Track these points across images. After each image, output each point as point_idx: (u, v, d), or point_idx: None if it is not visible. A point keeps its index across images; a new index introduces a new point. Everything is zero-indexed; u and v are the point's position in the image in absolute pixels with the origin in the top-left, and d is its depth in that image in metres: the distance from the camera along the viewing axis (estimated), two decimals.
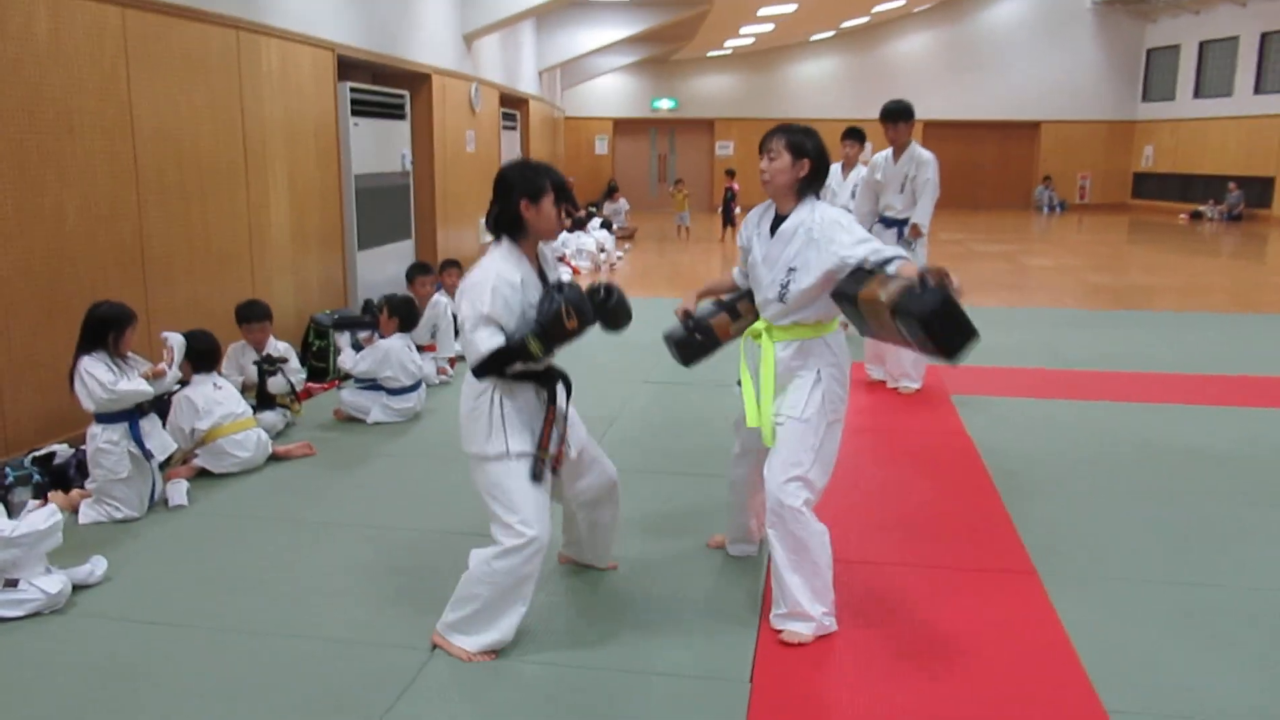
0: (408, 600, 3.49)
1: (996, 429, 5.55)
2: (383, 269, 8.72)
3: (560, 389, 3.17)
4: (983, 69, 24.69)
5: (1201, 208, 21.87)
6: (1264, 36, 21.25)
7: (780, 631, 3.20)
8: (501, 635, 3.08)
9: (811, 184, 3.24)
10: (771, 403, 3.26)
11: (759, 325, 3.34)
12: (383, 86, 8.98)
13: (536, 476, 3.04)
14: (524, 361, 2.98)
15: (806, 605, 3.17)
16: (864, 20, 23.34)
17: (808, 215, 3.19)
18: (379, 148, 8.74)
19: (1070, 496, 4.53)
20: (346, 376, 6.08)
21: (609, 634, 3.27)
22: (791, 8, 16.92)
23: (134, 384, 4.16)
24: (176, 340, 4.51)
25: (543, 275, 3.13)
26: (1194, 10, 22.91)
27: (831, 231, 3.13)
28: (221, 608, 3.45)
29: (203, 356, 4.88)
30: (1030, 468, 4.91)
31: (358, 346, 5.92)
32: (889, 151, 6.38)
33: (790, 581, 3.18)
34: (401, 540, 4.04)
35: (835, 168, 7.37)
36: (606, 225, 14.94)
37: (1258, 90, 21.45)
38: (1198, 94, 23.25)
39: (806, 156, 3.17)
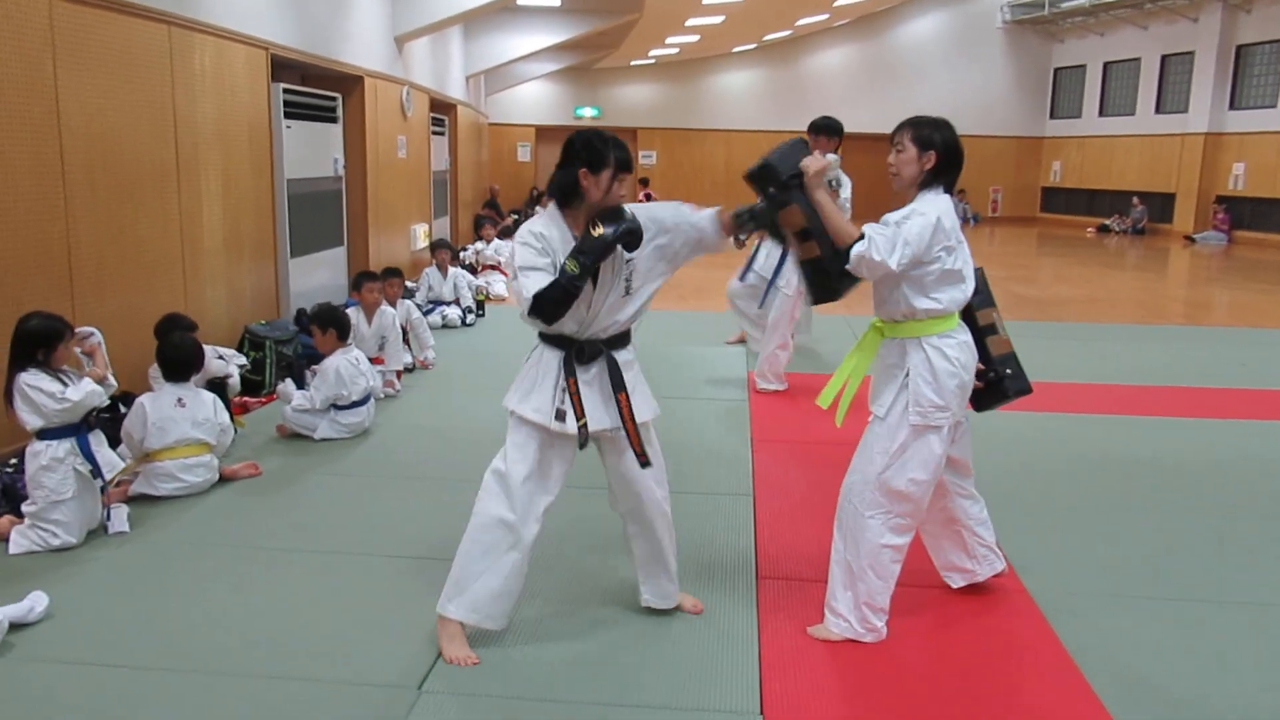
0: (380, 632, 3.29)
1: None
2: (315, 277, 8.41)
3: (593, 366, 3.08)
4: (900, 84, 25.19)
5: (1107, 221, 22.67)
6: (1164, 59, 22.16)
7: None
8: (471, 610, 3.07)
9: (939, 177, 3.13)
10: (852, 392, 3.34)
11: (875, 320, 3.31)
12: (314, 88, 8.67)
13: (582, 444, 3.09)
14: (567, 286, 2.87)
15: (841, 606, 3.20)
16: (786, 33, 23.62)
17: (913, 207, 3.10)
18: (311, 151, 8.42)
19: (1041, 510, 4.54)
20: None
21: (601, 667, 3.12)
22: (719, 19, 16.99)
23: (85, 390, 3.87)
24: (97, 337, 4.21)
25: None
26: (1099, 32, 23.77)
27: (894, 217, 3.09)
28: (182, 646, 3.19)
29: (174, 366, 4.59)
30: (995, 481, 4.92)
31: (298, 381, 5.65)
32: (838, 158, 6.42)
33: (834, 576, 3.26)
34: (364, 567, 3.82)
35: None
36: None
37: (1158, 110, 22.35)
38: (1102, 112, 24.12)
39: (933, 149, 3.09)
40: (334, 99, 8.98)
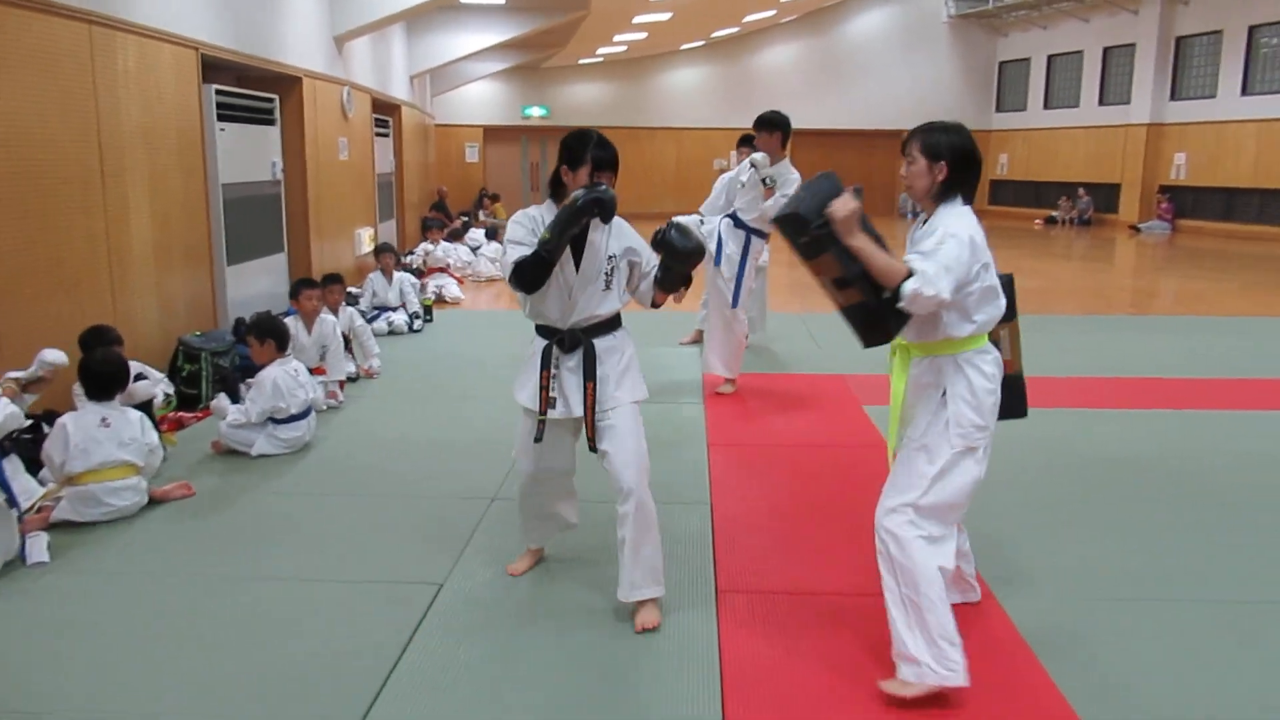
0: (326, 665, 3.09)
1: None
2: (254, 285, 8.12)
3: (575, 354, 3.31)
4: (847, 80, 25.29)
5: (1054, 213, 22.91)
6: (1106, 51, 22.46)
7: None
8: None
9: (954, 188, 2.87)
10: (897, 423, 3.07)
11: (898, 341, 3.05)
12: (250, 89, 8.38)
13: (537, 438, 3.39)
14: (541, 252, 3.12)
15: (914, 648, 2.84)
16: (734, 30, 23.57)
17: (939, 224, 2.85)
18: (247, 155, 8.14)
19: (1003, 509, 4.44)
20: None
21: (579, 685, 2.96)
22: (666, 16, 16.87)
23: (1, 411, 3.62)
24: (53, 359, 3.97)
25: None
26: (1042, 25, 24.03)
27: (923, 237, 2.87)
28: (109, 690, 2.96)
29: (98, 383, 4.33)
30: None
31: (234, 395, 5.40)
32: (765, 157, 6.28)
33: (895, 621, 2.90)
34: (307, 594, 3.61)
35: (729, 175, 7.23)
36: (492, 235, 14.48)
37: (1101, 102, 22.65)
38: (1047, 105, 24.39)
39: (942, 158, 2.84)
40: (271, 100, 8.70)
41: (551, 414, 3.33)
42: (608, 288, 3.27)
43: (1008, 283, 3.04)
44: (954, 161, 2.84)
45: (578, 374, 3.32)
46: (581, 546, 3.98)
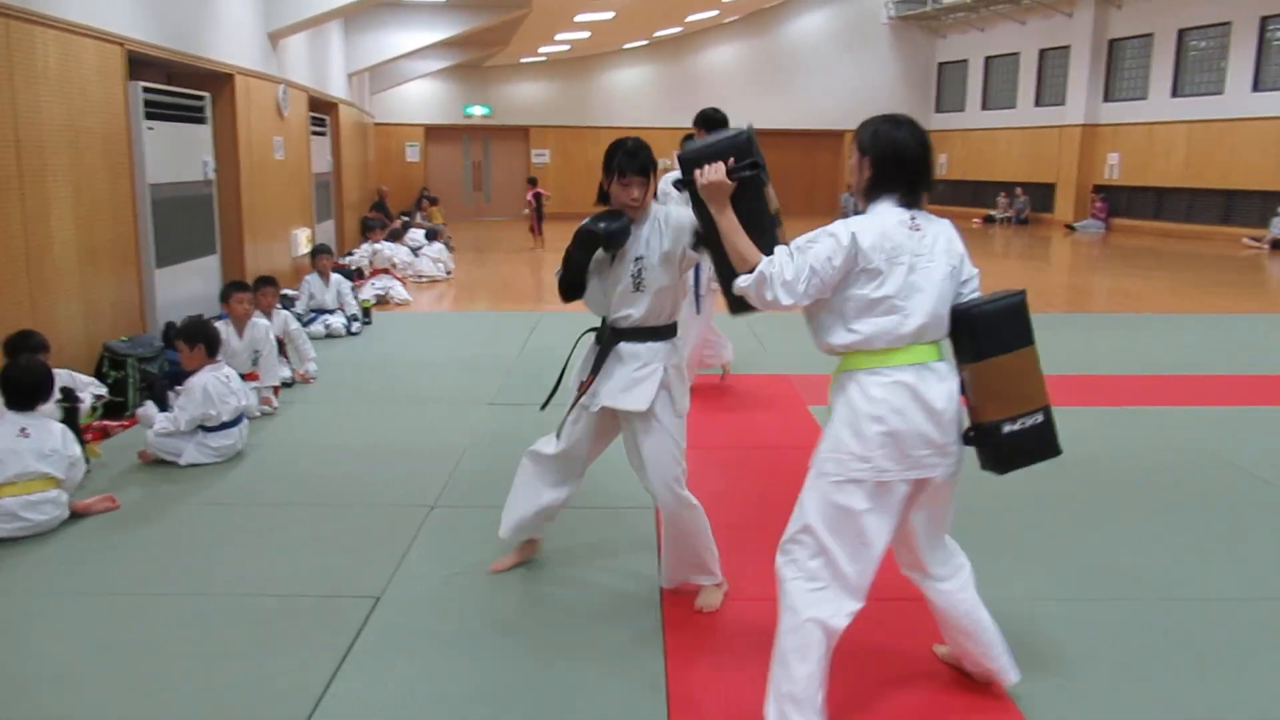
0: (258, 685, 2.97)
1: None
2: (185, 288, 7.88)
3: (613, 350, 3.34)
4: (789, 80, 25.43)
5: (993, 212, 23.26)
6: (1042, 53, 22.86)
7: None
8: (504, 530, 3.70)
9: (881, 185, 2.59)
10: None
11: None
12: (180, 87, 8.14)
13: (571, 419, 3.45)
14: (568, 261, 3.29)
15: (766, 704, 2.64)
16: (677, 30, 23.57)
17: (828, 227, 2.62)
18: (177, 154, 7.90)
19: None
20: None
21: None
22: (608, 15, 16.79)
23: None
24: None
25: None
26: (979, 27, 24.39)
27: None
28: (30, 714, 2.81)
29: (18, 392, 4.14)
30: None
31: (161, 402, 5.21)
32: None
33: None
34: (239, 610, 3.47)
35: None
36: (433, 235, 14.28)
37: (1038, 103, 23.05)
38: (985, 106, 24.77)
39: (867, 154, 2.60)
40: (202, 98, 8.45)
41: (586, 402, 3.40)
42: (637, 289, 3.25)
43: (1004, 314, 2.64)
44: (878, 158, 2.59)
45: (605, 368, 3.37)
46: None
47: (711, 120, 6.11)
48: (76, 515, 4.28)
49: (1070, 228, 21.14)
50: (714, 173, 2.72)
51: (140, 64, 7.52)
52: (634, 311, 3.27)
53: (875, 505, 2.57)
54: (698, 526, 3.41)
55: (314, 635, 3.27)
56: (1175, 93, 19.66)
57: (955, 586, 2.79)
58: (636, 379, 3.28)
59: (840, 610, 2.60)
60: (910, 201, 2.61)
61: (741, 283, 2.64)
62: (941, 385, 2.58)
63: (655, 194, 3.38)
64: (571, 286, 3.32)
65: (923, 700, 2.92)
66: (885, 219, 2.56)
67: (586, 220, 3.21)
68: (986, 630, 2.80)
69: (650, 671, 3.05)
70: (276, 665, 3.08)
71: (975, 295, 2.68)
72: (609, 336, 3.34)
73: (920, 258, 2.55)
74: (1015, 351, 2.63)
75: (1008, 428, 2.61)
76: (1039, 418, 2.65)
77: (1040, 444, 2.68)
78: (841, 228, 2.55)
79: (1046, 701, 2.88)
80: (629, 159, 3.19)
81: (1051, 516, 4.38)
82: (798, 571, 2.62)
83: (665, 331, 3.33)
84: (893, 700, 2.91)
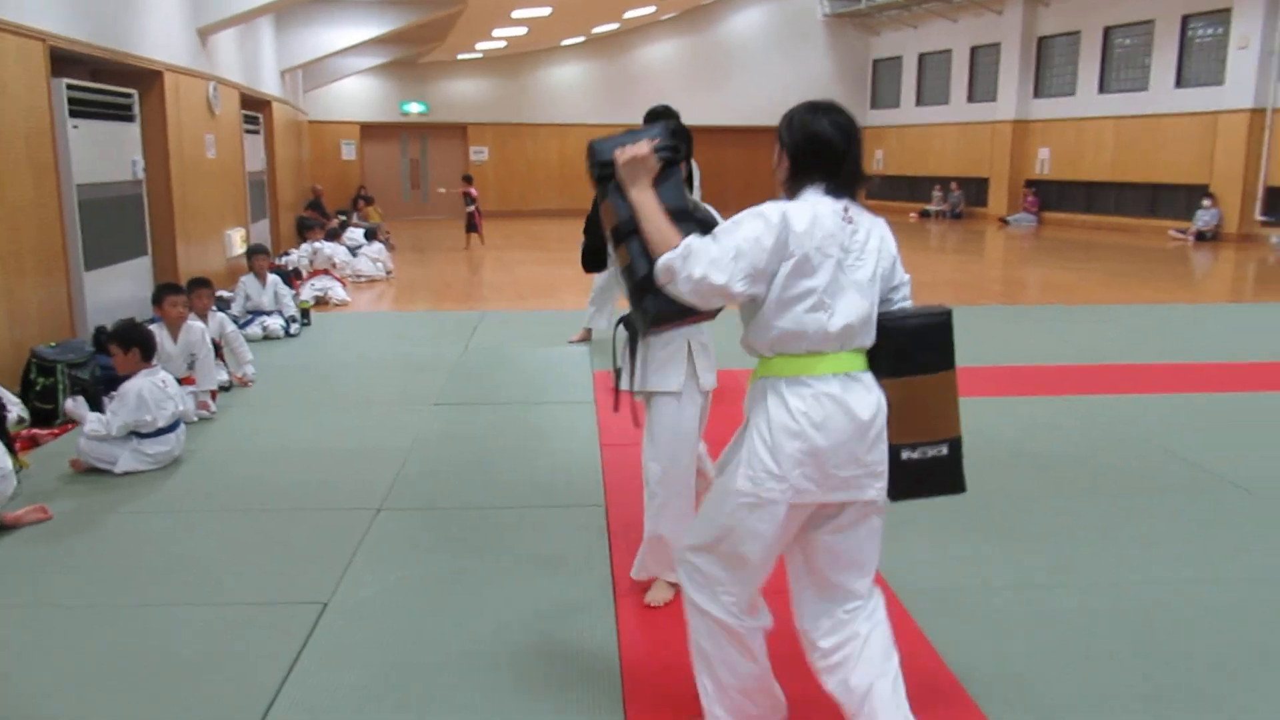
0: (202, 701, 2.88)
1: None
2: (116, 291, 7.66)
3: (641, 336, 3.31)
4: (727, 77, 25.54)
5: (929, 206, 23.64)
6: (973, 50, 23.26)
7: None
8: None
9: (801, 176, 2.39)
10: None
11: None
12: (106, 84, 7.90)
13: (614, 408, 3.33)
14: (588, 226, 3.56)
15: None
16: (614, 27, 23.53)
17: (757, 208, 2.44)
18: (105, 153, 7.67)
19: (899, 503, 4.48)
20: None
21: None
22: (545, 10, 16.70)
23: None
24: None
25: None
26: (912, 25, 24.74)
27: None
28: None
29: None
30: None
31: (95, 404, 5.05)
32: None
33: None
34: (180, 621, 3.38)
35: None
36: (371, 235, 14.07)
37: (970, 99, 23.46)
38: (919, 102, 25.14)
39: (783, 145, 2.41)
40: (130, 96, 8.22)
41: (622, 387, 3.37)
42: None
43: (926, 332, 2.42)
44: (793, 147, 2.38)
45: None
46: (471, 553, 3.85)
47: (663, 117, 6.12)
48: (6, 528, 4.12)
49: (1004, 221, 21.55)
50: (638, 148, 2.52)
51: (64, 60, 7.29)
52: None
53: (781, 529, 2.35)
54: (680, 509, 3.33)
55: (260, 644, 3.19)
56: (1102, 89, 20.15)
57: (840, 661, 2.43)
58: (664, 359, 3.29)
59: (742, 620, 2.45)
60: (839, 193, 2.37)
61: (665, 259, 2.34)
62: (869, 396, 2.35)
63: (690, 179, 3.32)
64: (593, 253, 3.49)
65: None
66: (818, 206, 2.34)
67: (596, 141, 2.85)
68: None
69: (605, 661, 3.03)
70: (222, 677, 3.00)
71: (905, 304, 2.49)
72: (633, 323, 3.32)
73: (850, 254, 2.34)
74: (932, 374, 2.41)
75: (906, 454, 2.40)
76: (943, 449, 2.44)
77: (941, 477, 2.47)
78: (771, 207, 2.32)
79: (1001, 687, 2.92)
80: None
81: (999, 504, 4.44)
82: (697, 581, 2.46)
83: (689, 311, 3.28)
84: None
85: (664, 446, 3.34)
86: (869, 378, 2.38)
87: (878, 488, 2.38)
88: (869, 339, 2.38)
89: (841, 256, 2.33)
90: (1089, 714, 2.82)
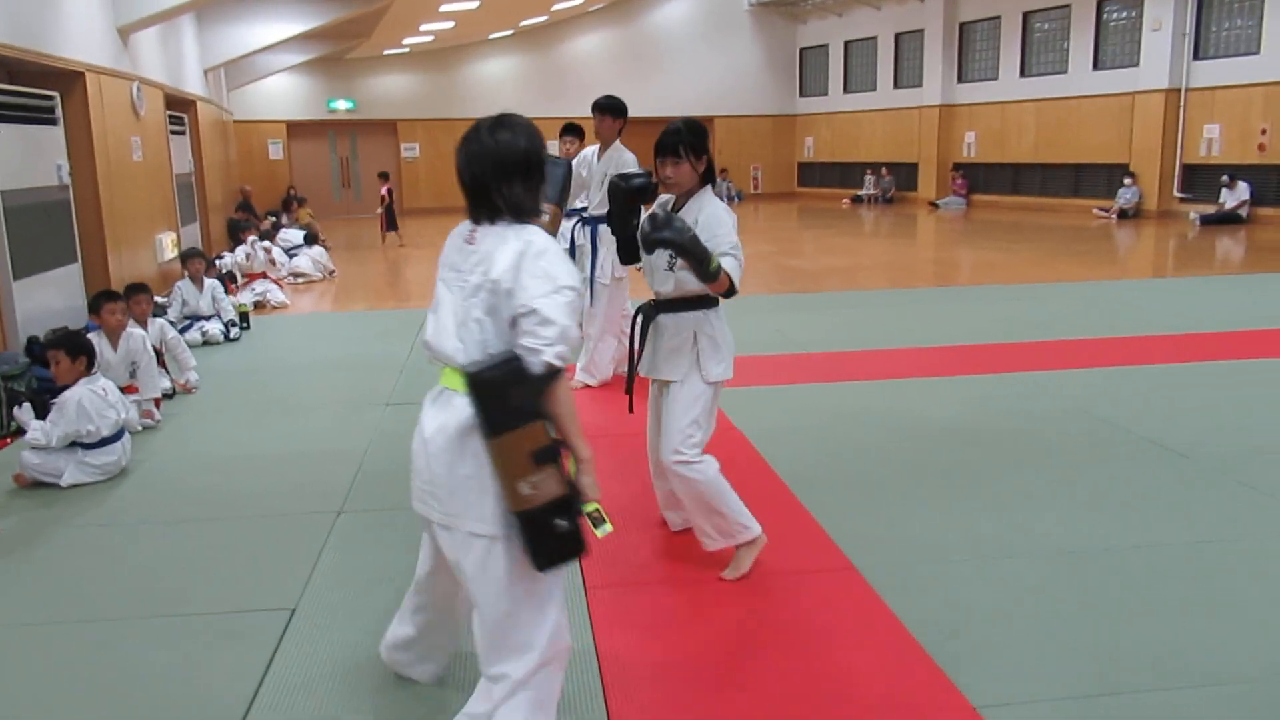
0: (192, 713, 2.84)
1: (761, 418, 5.55)
2: (46, 300, 7.44)
3: (653, 321, 3.62)
4: (657, 67, 25.56)
5: (860, 192, 23.98)
6: (898, 37, 23.63)
7: None
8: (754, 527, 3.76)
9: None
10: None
11: None
12: (25, 86, 7.66)
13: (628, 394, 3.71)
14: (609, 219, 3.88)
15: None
16: (543, 19, 23.40)
17: None
18: (28, 158, 7.43)
19: (855, 483, 4.57)
20: (20, 431, 5.05)
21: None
22: (473, 4, 16.56)
23: None
24: None
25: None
26: (838, 13, 25.02)
27: None
28: None
29: None
30: (805, 457, 4.94)
31: (42, 414, 4.92)
32: (596, 147, 6.35)
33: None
34: (132, 636, 3.31)
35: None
36: (312, 239, 13.83)
37: (896, 85, 23.83)
38: (847, 89, 25.45)
39: None
40: (51, 98, 7.97)
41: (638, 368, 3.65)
42: (670, 268, 3.49)
43: (499, 384, 2.25)
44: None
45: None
46: None
47: (614, 109, 6.24)
48: None
49: (934, 205, 21.95)
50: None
51: None
52: (664, 289, 3.55)
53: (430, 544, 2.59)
54: (698, 492, 3.51)
55: (231, 653, 3.15)
56: (1024, 73, 20.62)
57: None
58: (671, 349, 3.54)
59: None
60: (477, 216, 2.41)
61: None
62: (440, 414, 2.32)
63: (704, 173, 3.59)
64: (624, 247, 3.74)
65: (839, 664, 3.00)
66: (457, 231, 2.45)
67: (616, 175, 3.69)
68: None
69: (582, 654, 3.05)
70: (191, 690, 2.95)
71: (528, 341, 2.24)
72: (651, 309, 3.60)
73: (459, 273, 2.36)
74: (510, 432, 2.21)
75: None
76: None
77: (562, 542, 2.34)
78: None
79: (968, 655, 3.01)
80: (661, 138, 3.50)
81: (944, 481, 4.56)
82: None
83: (701, 301, 3.52)
84: (810, 667, 2.99)
85: (670, 432, 3.53)
86: (462, 401, 2.29)
87: (439, 511, 2.39)
88: (458, 361, 2.32)
89: (448, 275, 2.41)
90: (1052, 674, 2.92)
